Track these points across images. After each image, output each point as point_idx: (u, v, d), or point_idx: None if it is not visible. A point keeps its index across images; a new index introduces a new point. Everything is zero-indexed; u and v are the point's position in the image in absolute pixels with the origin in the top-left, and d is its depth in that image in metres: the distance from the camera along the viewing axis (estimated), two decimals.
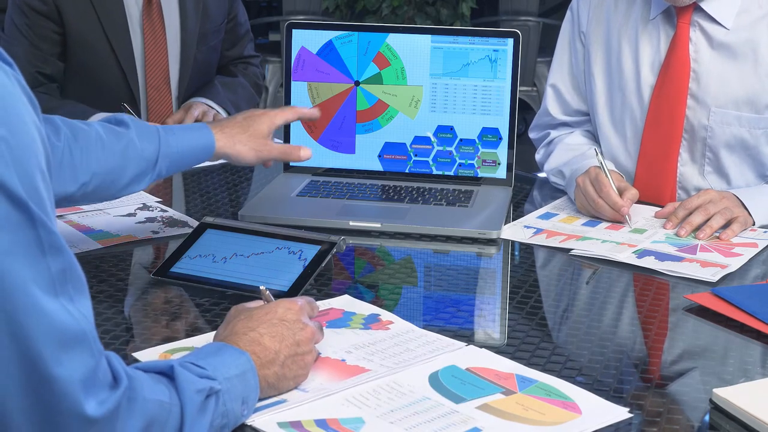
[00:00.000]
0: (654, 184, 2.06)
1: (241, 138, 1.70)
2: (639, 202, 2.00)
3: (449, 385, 1.25)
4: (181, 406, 1.06)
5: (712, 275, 1.62)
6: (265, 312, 1.24)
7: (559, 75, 2.20)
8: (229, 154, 1.70)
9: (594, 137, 2.19)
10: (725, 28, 1.97)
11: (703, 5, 1.96)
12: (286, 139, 2.09)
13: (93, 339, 0.98)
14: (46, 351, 0.93)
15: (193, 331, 1.37)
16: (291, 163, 2.09)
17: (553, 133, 2.21)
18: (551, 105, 2.20)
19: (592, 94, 2.13)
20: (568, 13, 2.20)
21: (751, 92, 1.97)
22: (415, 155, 2.05)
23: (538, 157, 2.25)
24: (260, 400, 1.19)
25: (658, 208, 1.95)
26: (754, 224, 1.86)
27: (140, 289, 1.58)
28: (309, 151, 1.79)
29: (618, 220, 1.87)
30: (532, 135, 2.29)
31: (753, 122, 1.98)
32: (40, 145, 0.96)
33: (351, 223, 1.83)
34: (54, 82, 2.59)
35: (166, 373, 1.09)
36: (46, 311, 0.93)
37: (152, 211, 1.93)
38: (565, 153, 2.11)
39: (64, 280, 0.96)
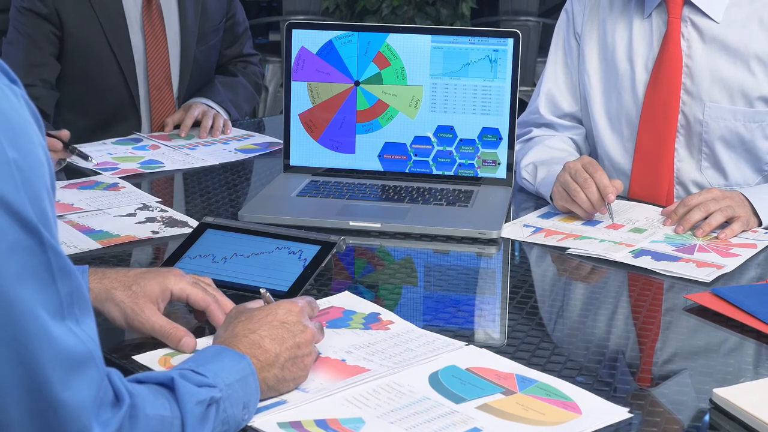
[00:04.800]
0: (651, 180, 2.06)
1: (117, 294, 1.31)
2: (638, 201, 2.00)
3: (449, 385, 1.25)
4: (182, 419, 1.06)
5: (707, 275, 1.62)
6: (265, 314, 1.24)
7: (552, 79, 2.19)
8: (97, 309, 1.30)
9: (576, 145, 2.18)
10: (715, 21, 1.98)
11: None
12: (286, 140, 2.09)
13: (99, 359, 0.98)
14: (54, 376, 0.93)
15: (193, 332, 1.37)
16: (291, 163, 2.09)
17: (536, 131, 2.20)
18: (542, 107, 2.20)
19: (587, 95, 2.13)
20: (563, 14, 2.20)
21: (745, 85, 1.98)
22: (415, 155, 2.05)
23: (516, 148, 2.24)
24: (260, 401, 1.19)
25: (659, 208, 1.95)
26: (760, 224, 1.84)
27: None
28: (193, 343, 1.32)
29: (592, 215, 1.86)
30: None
31: (748, 116, 1.98)
32: (46, 166, 0.96)
33: (351, 223, 1.83)
34: (48, 83, 2.60)
35: (166, 384, 1.08)
36: (54, 336, 0.93)
37: (152, 211, 1.93)
38: (544, 152, 2.09)
39: (71, 303, 0.96)
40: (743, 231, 1.81)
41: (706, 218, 1.81)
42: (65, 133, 2.19)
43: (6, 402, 0.92)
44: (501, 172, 2.03)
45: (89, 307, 1.00)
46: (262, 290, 1.34)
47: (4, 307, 0.91)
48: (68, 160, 2.23)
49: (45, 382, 0.93)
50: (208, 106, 2.63)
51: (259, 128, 2.71)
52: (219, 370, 1.13)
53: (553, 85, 2.19)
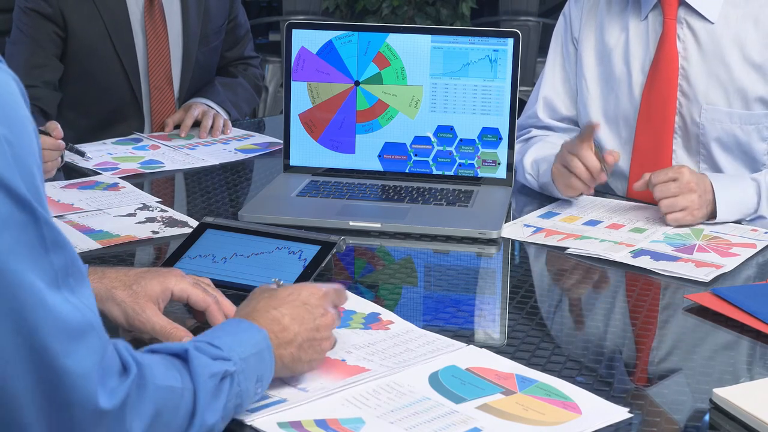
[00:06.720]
0: None
1: (118, 293, 1.31)
2: (638, 201, 2.00)
3: (449, 385, 1.25)
4: (194, 391, 1.06)
5: (706, 275, 1.62)
6: (288, 293, 1.25)
7: (550, 84, 2.19)
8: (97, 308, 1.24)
9: None
10: (710, 21, 1.98)
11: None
12: (286, 139, 2.09)
13: (99, 328, 0.99)
14: (55, 344, 0.94)
15: (193, 332, 1.37)
16: (291, 163, 2.09)
17: (535, 131, 2.21)
18: (541, 111, 2.20)
19: (584, 99, 2.13)
20: (561, 19, 2.21)
21: (740, 87, 1.97)
22: (415, 155, 2.05)
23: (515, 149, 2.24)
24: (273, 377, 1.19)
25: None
26: (714, 217, 1.85)
27: None
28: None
29: (591, 184, 1.89)
30: None
31: (744, 118, 1.98)
32: (35, 141, 0.97)
33: (351, 223, 1.83)
34: (50, 84, 2.60)
35: (180, 355, 1.09)
36: (51, 306, 0.94)
37: (152, 211, 1.93)
38: (546, 148, 2.09)
39: (66, 274, 0.97)
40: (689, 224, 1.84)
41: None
42: (59, 132, 2.18)
43: (13, 374, 0.93)
44: (501, 172, 2.03)
45: (84, 277, 1.00)
46: (275, 280, 1.34)
47: (2, 279, 0.91)
48: (66, 159, 2.23)
49: (47, 351, 0.94)
50: (208, 106, 2.64)
51: (259, 128, 2.71)
52: (235, 344, 1.13)
53: (551, 91, 2.19)
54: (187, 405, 1.05)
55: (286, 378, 1.23)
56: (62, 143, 2.14)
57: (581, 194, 1.96)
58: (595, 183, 1.90)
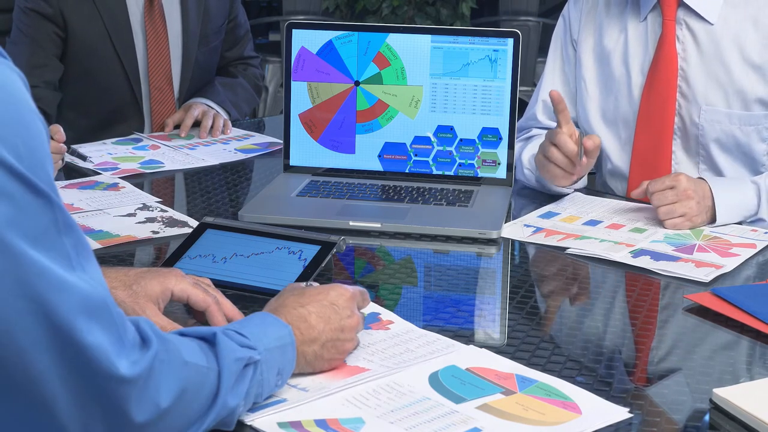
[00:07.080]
0: None
1: (118, 293, 1.31)
2: (638, 202, 2.00)
3: (449, 385, 1.25)
4: (219, 372, 1.08)
5: (706, 275, 1.62)
6: (317, 292, 1.28)
7: (550, 86, 2.19)
8: None
9: None
10: (710, 23, 1.98)
11: (686, 0, 1.97)
12: (286, 139, 2.09)
13: (111, 302, 1.01)
14: (77, 322, 0.96)
15: None
16: (291, 163, 2.09)
17: (535, 131, 2.21)
18: (540, 113, 2.20)
19: (584, 100, 2.13)
20: (560, 20, 2.21)
21: (739, 88, 1.97)
22: (415, 155, 2.05)
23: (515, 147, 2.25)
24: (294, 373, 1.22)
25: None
26: (714, 221, 1.85)
27: None
28: None
29: (570, 170, 1.89)
30: None
31: (743, 119, 1.98)
32: (44, 133, 0.99)
33: (351, 223, 1.83)
34: (51, 84, 2.60)
35: (207, 339, 1.11)
36: (69, 286, 0.96)
37: (152, 211, 1.93)
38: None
39: (77, 254, 0.99)
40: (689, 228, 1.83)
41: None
42: (61, 136, 2.18)
43: (37, 355, 0.94)
44: (501, 172, 2.03)
45: (91, 254, 1.03)
46: (306, 284, 1.35)
47: (20, 266, 0.93)
48: (67, 160, 2.23)
49: (70, 330, 0.95)
50: (208, 106, 2.64)
51: (259, 128, 2.71)
52: (261, 335, 1.16)
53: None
54: (211, 385, 1.08)
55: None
56: (64, 147, 2.14)
57: (574, 183, 1.96)
58: (574, 168, 1.89)
